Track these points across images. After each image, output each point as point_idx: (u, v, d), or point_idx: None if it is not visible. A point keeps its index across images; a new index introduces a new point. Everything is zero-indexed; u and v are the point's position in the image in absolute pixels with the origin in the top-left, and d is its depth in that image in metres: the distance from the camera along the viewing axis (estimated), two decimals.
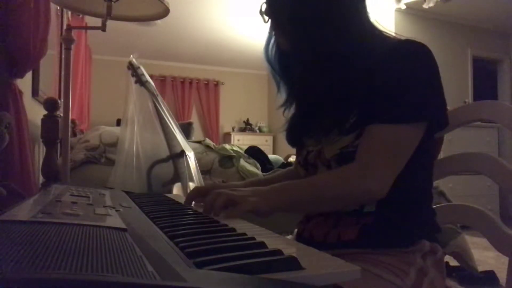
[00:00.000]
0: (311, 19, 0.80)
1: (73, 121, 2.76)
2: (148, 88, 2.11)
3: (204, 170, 2.34)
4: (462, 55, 5.20)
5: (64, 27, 2.88)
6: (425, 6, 4.36)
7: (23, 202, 0.64)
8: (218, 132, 7.39)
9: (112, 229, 0.48)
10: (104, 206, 0.67)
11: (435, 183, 0.92)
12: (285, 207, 0.76)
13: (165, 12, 1.66)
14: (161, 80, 6.96)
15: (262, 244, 0.46)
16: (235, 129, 7.48)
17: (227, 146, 2.56)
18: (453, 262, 2.18)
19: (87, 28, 3.39)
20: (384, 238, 0.77)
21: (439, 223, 0.85)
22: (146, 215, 0.67)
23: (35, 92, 2.32)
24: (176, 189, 1.98)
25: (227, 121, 7.51)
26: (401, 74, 0.75)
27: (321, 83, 0.82)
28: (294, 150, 0.99)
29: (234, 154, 2.46)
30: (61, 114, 1.88)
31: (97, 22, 1.65)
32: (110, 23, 1.62)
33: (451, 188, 3.85)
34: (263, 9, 0.87)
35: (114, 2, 1.57)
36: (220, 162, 2.42)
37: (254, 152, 2.83)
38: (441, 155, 1.00)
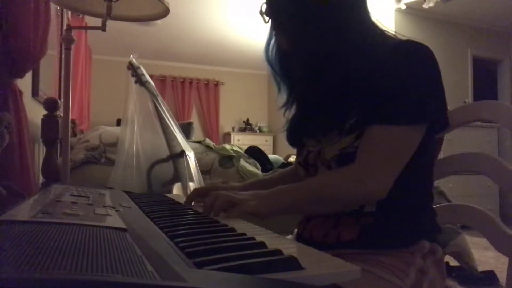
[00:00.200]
0: (311, 19, 0.80)
1: (73, 121, 2.76)
2: (148, 88, 2.11)
3: (204, 170, 2.34)
4: (462, 55, 5.19)
5: (64, 27, 2.89)
6: (425, 6, 4.35)
7: (23, 202, 0.64)
8: (218, 132, 7.39)
9: (112, 229, 0.48)
10: (104, 206, 0.67)
11: (435, 183, 0.92)
12: (285, 209, 0.76)
13: (165, 12, 1.66)
14: (161, 80, 6.95)
15: (262, 244, 0.46)
16: (235, 129, 7.48)
17: (227, 146, 2.56)
18: (453, 262, 2.18)
19: (87, 28, 3.39)
20: (384, 238, 0.77)
21: (439, 223, 0.85)
22: (146, 215, 0.67)
23: (35, 92, 2.32)
24: (176, 189, 1.98)
25: (227, 121, 7.51)
26: (402, 75, 0.74)
27: (321, 83, 0.82)
28: (294, 150, 0.99)
29: (234, 154, 2.46)
30: (61, 114, 1.88)
31: (97, 22, 1.65)
32: (110, 23, 1.62)
33: (451, 188, 3.85)
34: (263, 10, 0.87)
35: (114, 2, 1.57)
36: (220, 162, 2.42)
37: (254, 152, 2.84)
38: (441, 155, 0.99)
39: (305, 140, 0.90)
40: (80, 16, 3.57)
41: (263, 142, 7.07)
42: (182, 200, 0.94)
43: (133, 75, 2.11)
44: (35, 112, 2.16)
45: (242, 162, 2.44)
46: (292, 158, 3.56)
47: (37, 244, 0.37)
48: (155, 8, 1.66)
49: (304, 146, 0.90)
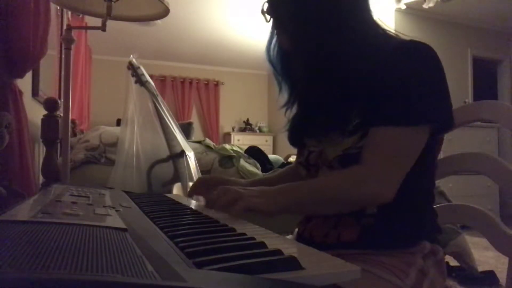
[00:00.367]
0: (313, 18, 0.79)
1: (73, 121, 2.77)
2: (148, 88, 2.11)
3: (204, 170, 2.34)
4: (462, 55, 5.19)
5: (64, 27, 2.89)
6: (425, 6, 4.35)
7: (23, 202, 0.64)
8: (218, 132, 7.39)
9: (112, 229, 0.48)
10: (104, 206, 0.67)
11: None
12: (291, 208, 0.76)
13: (165, 12, 1.66)
14: (161, 80, 6.96)
15: (262, 244, 0.46)
16: (235, 129, 7.48)
17: (227, 146, 2.56)
18: (453, 262, 2.18)
19: (87, 28, 3.39)
20: (385, 239, 0.76)
21: (439, 223, 0.85)
22: (146, 215, 0.66)
23: (35, 92, 2.32)
24: (176, 189, 1.98)
25: (227, 121, 7.51)
26: (407, 75, 0.73)
27: (323, 83, 0.81)
28: (294, 150, 0.99)
29: (234, 154, 2.46)
30: (61, 114, 1.88)
31: (97, 22, 1.65)
32: (110, 23, 1.62)
33: (451, 188, 3.85)
34: (265, 8, 0.86)
35: (114, 2, 1.57)
36: (220, 162, 2.42)
37: (254, 152, 2.84)
38: (441, 155, 0.99)
39: (306, 140, 0.89)
40: (80, 16, 3.57)
41: (263, 142, 7.07)
42: (182, 200, 0.94)
43: (133, 75, 2.11)
44: (35, 112, 2.16)
45: (242, 162, 2.44)
46: (292, 158, 3.56)
47: (37, 244, 0.37)
48: (155, 8, 1.66)
49: (305, 146, 0.89)
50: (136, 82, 2.11)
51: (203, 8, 4.80)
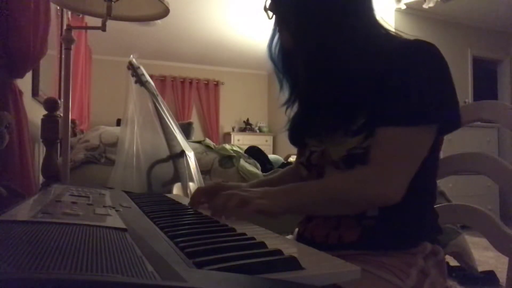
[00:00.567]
0: (315, 16, 0.79)
1: (73, 121, 2.77)
2: (148, 88, 2.11)
3: (204, 170, 2.34)
4: (462, 55, 5.19)
5: (64, 27, 2.89)
6: (425, 6, 4.35)
7: (23, 202, 0.64)
8: (218, 132, 7.39)
9: (112, 229, 0.48)
10: (104, 206, 0.67)
11: None
12: (296, 209, 0.75)
13: (165, 12, 1.66)
14: (161, 80, 6.96)
15: (262, 244, 0.46)
16: (235, 129, 7.48)
17: (227, 146, 2.56)
18: (453, 262, 2.18)
19: (87, 28, 3.39)
20: (385, 240, 0.76)
21: (440, 224, 0.85)
22: (146, 215, 0.67)
23: (35, 92, 2.32)
24: (176, 189, 1.98)
25: (227, 121, 7.51)
26: (413, 75, 0.72)
27: (324, 82, 0.80)
28: (294, 150, 0.98)
29: (234, 154, 2.46)
30: (61, 114, 1.88)
31: (97, 22, 1.65)
32: (110, 23, 1.62)
33: (451, 188, 3.85)
34: (267, 5, 0.86)
35: (114, 2, 1.57)
36: (220, 162, 2.42)
37: (254, 152, 2.83)
38: (441, 155, 0.99)
39: (307, 140, 0.89)
40: (80, 16, 3.57)
41: (263, 142, 7.07)
42: (182, 200, 0.94)
43: (133, 75, 2.11)
44: (35, 112, 2.16)
45: (242, 162, 2.44)
46: (292, 158, 3.56)
47: (37, 244, 0.37)
48: (155, 8, 1.66)
49: (306, 145, 0.89)
50: (136, 82, 2.11)
51: (203, 8, 4.80)
